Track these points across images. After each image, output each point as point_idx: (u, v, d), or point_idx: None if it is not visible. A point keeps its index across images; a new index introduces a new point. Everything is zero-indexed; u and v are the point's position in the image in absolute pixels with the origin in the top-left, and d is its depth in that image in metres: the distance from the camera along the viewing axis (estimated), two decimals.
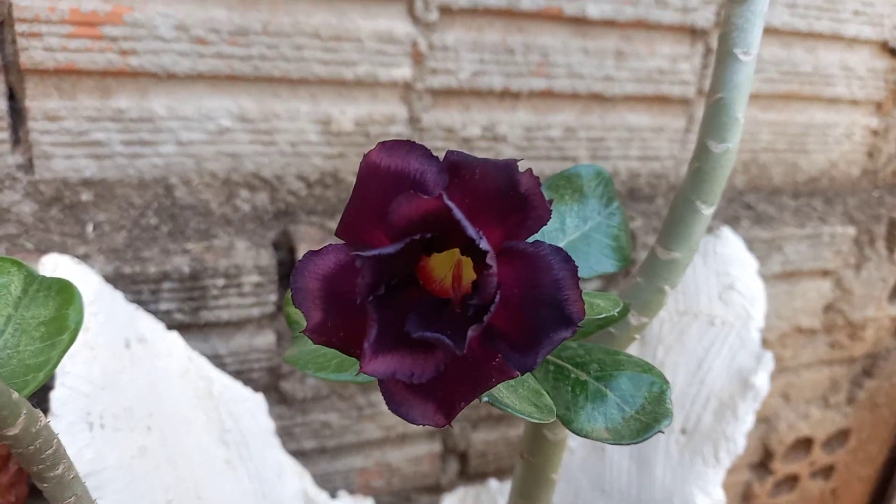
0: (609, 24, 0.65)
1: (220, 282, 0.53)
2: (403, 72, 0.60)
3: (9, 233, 0.53)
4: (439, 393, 0.22)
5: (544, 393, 0.26)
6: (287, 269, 0.57)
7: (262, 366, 0.59)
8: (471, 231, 0.19)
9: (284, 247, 0.58)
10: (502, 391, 0.25)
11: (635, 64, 0.67)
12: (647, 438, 0.26)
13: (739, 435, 0.54)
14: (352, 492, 0.67)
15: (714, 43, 0.70)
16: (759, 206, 0.78)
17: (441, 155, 0.21)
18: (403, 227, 0.21)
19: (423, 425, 0.22)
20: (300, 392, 0.61)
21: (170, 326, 0.52)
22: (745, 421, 0.53)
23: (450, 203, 0.19)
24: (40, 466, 0.24)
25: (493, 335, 0.21)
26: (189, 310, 0.53)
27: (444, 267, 0.23)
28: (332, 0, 0.56)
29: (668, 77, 0.69)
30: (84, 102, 0.54)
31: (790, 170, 0.82)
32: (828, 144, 0.82)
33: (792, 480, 0.96)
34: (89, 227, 0.55)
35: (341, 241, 0.23)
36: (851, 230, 0.78)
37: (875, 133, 0.85)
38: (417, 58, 0.60)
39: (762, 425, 0.89)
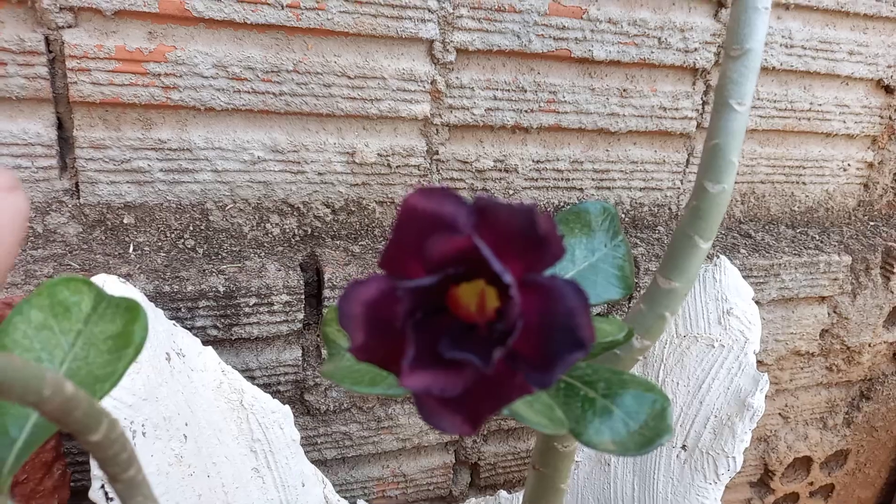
0: (614, 64, 0.69)
1: (252, 300, 0.57)
2: (423, 108, 0.64)
3: (55, 253, 0.58)
4: (466, 406, 0.26)
5: (556, 408, 0.30)
6: (313, 290, 0.61)
7: (289, 379, 0.62)
8: (497, 266, 0.23)
9: (311, 268, 0.62)
10: (520, 406, 0.29)
11: (639, 101, 0.72)
12: (649, 451, 0.29)
13: (738, 452, 0.57)
14: (369, 501, 0.71)
15: (714, 81, 0.74)
16: (757, 234, 0.81)
17: (457, 185, 0.24)
18: (438, 262, 0.25)
19: (452, 434, 0.26)
20: (323, 404, 0.64)
21: (204, 342, 0.55)
22: (743, 439, 0.56)
23: (479, 242, 0.23)
24: (116, 468, 0.28)
25: (514, 356, 0.25)
26: (223, 326, 0.57)
27: (471, 295, 0.27)
28: (359, 42, 0.61)
29: (670, 113, 0.74)
30: (127, 133, 0.58)
31: (787, 201, 0.86)
32: (824, 177, 0.86)
33: (792, 499, 0.99)
34: (130, 248, 0.59)
35: (382, 272, 0.27)
36: (847, 259, 0.81)
37: (870, 166, 0.89)
38: (436, 95, 0.64)
39: (762, 444, 0.92)
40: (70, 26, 0.54)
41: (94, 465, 0.44)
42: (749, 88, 0.33)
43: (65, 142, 0.58)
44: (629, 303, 0.72)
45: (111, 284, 0.51)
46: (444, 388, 0.25)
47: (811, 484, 0.98)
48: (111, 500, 0.45)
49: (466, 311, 0.27)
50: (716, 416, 0.58)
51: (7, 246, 0.17)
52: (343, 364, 0.35)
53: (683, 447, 0.60)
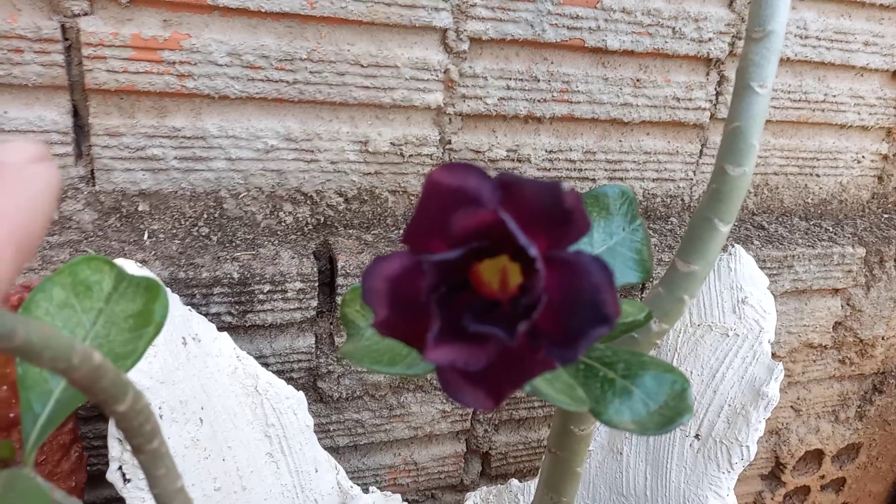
0: (628, 53, 0.69)
1: (266, 287, 0.57)
2: (436, 97, 0.64)
3: (70, 239, 0.58)
4: (489, 381, 0.26)
5: (577, 387, 0.30)
6: (326, 278, 0.61)
7: (302, 366, 0.63)
8: (522, 239, 0.23)
9: (324, 256, 0.62)
10: (541, 383, 0.29)
11: (652, 91, 0.71)
12: (670, 430, 0.29)
13: (752, 442, 0.57)
14: (381, 488, 0.71)
15: (728, 72, 0.74)
16: (770, 226, 0.81)
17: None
18: (462, 237, 0.25)
19: (475, 408, 0.26)
20: (336, 392, 0.65)
21: (219, 328, 0.56)
22: (758, 428, 0.56)
23: (504, 215, 0.23)
24: (140, 440, 0.28)
25: (537, 332, 0.25)
26: (237, 313, 0.57)
27: (493, 272, 0.27)
28: (373, 30, 0.61)
29: (684, 104, 0.73)
30: (142, 120, 0.59)
31: (801, 192, 0.85)
32: (838, 169, 0.86)
33: (803, 492, 0.98)
34: (145, 235, 0.59)
35: (405, 248, 0.27)
36: (861, 251, 0.81)
37: (885, 158, 0.88)
38: (449, 84, 0.64)
39: (773, 437, 0.92)
40: (86, 14, 0.54)
41: (111, 446, 0.45)
42: (771, 71, 0.33)
43: (80, 129, 0.58)
44: (642, 291, 0.72)
45: (129, 268, 0.51)
46: (467, 362, 0.25)
47: (822, 477, 0.98)
48: (128, 480, 0.45)
49: (489, 288, 0.27)
50: (730, 405, 0.58)
51: (41, 214, 0.17)
52: (362, 344, 0.35)
53: (697, 436, 0.60)
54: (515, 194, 0.24)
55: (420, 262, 0.25)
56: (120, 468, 0.45)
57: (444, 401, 0.71)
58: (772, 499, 0.96)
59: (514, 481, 0.66)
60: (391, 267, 0.27)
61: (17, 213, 0.16)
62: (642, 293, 0.72)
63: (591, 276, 0.24)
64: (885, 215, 0.90)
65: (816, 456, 0.97)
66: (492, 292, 0.27)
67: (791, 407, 0.91)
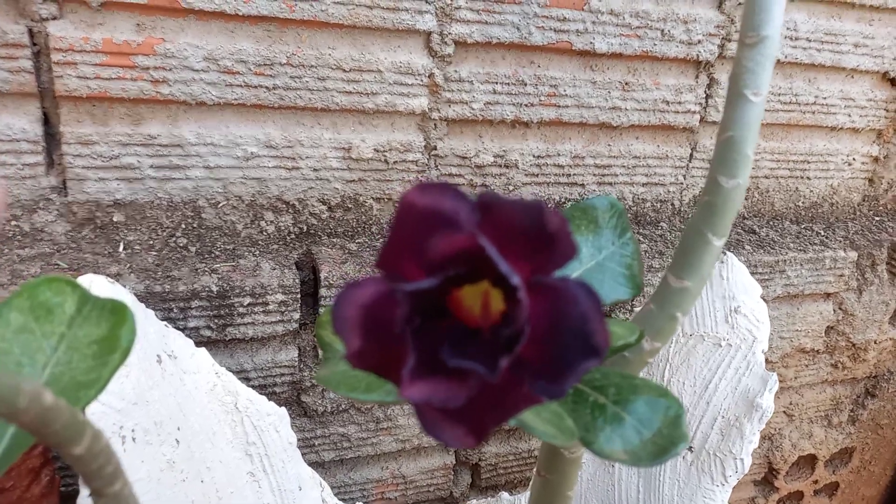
0: (616, 56, 0.67)
1: (247, 300, 0.55)
2: (420, 102, 0.63)
3: (42, 252, 0.56)
4: (470, 417, 0.24)
5: (566, 416, 0.28)
6: (310, 289, 0.60)
7: (285, 380, 0.61)
8: (503, 267, 0.21)
9: (307, 267, 0.60)
10: (527, 415, 0.27)
11: (641, 95, 0.70)
12: (664, 461, 0.28)
13: (746, 454, 0.55)
14: (368, 503, 0.69)
15: (717, 74, 0.72)
16: (761, 230, 0.80)
17: (456, 181, 0.23)
18: (439, 262, 0.23)
19: (454, 448, 0.24)
20: (321, 405, 0.63)
21: (198, 343, 0.54)
22: (752, 440, 0.55)
23: (483, 241, 0.22)
24: (100, 483, 0.26)
25: (521, 364, 0.23)
26: (216, 327, 0.56)
27: (474, 297, 0.26)
28: (355, 34, 0.59)
29: (673, 107, 0.72)
30: (116, 128, 0.57)
31: (791, 196, 0.84)
32: (828, 171, 0.85)
33: (796, 498, 0.98)
34: (121, 247, 0.57)
35: (378, 273, 0.25)
36: (853, 254, 0.80)
37: (875, 160, 0.87)
38: (434, 89, 0.63)
39: (766, 442, 0.91)
40: (55, 18, 0.52)
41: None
42: (765, 78, 0.32)
43: (51, 137, 0.56)
44: (631, 302, 0.71)
45: (99, 285, 0.49)
46: (446, 399, 0.23)
47: (816, 482, 0.97)
48: None
49: (469, 315, 0.26)
50: (723, 417, 0.56)
51: None
52: (339, 369, 0.33)
53: (690, 448, 0.58)
54: (495, 216, 0.23)
55: (394, 290, 0.23)
56: (91, 493, 0.43)
57: None
58: None
59: (505, 494, 0.65)
60: (364, 294, 0.25)
61: None
62: (632, 308, 0.71)
63: (577, 304, 0.22)
64: (877, 218, 0.89)
65: (809, 461, 0.96)
66: (473, 319, 0.26)
67: (784, 412, 0.90)
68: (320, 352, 0.62)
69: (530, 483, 0.61)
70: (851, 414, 0.95)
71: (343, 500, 0.68)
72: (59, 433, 0.22)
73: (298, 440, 0.62)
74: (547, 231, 0.22)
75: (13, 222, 0.57)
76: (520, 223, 0.23)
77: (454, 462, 0.74)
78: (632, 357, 0.35)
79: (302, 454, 0.60)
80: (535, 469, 0.40)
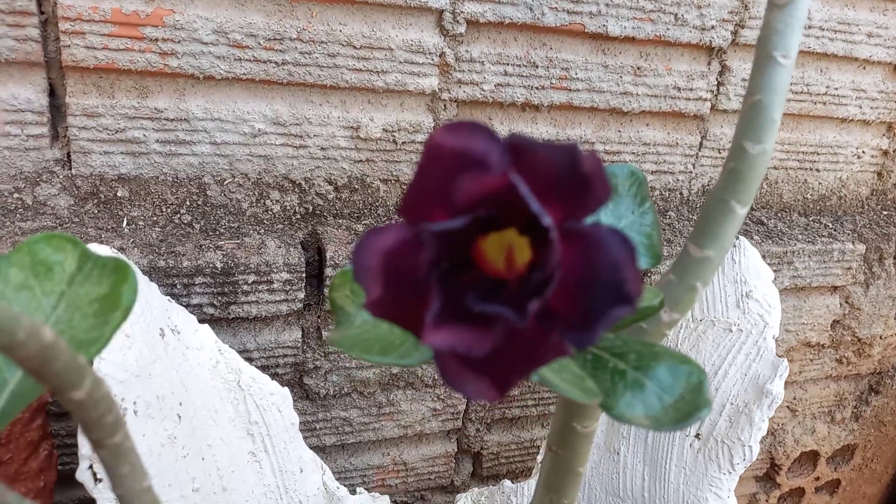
0: (629, 40, 0.67)
1: (251, 278, 0.55)
2: (431, 82, 0.62)
3: (45, 225, 0.55)
4: (494, 368, 0.23)
5: (587, 378, 0.28)
6: (314, 269, 0.59)
7: (288, 361, 0.60)
8: (535, 206, 0.21)
9: (312, 247, 0.59)
10: (549, 374, 0.27)
11: (653, 80, 0.69)
12: (687, 426, 0.27)
13: (754, 441, 0.55)
14: (369, 489, 0.68)
15: (730, 61, 0.72)
16: (769, 221, 0.79)
17: None
18: (467, 205, 0.22)
19: (477, 399, 0.24)
20: (323, 388, 0.62)
21: (201, 320, 0.53)
22: (761, 427, 0.54)
23: (515, 178, 0.21)
24: (100, 433, 0.25)
25: (549, 312, 0.23)
26: (220, 304, 0.55)
27: (499, 249, 0.25)
28: (366, 10, 0.58)
29: (684, 94, 0.71)
30: (122, 101, 0.56)
31: (800, 188, 0.84)
32: (838, 164, 0.84)
33: (798, 494, 0.97)
34: (124, 223, 0.56)
35: (401, 220, 0.24)
36: (861, 247, 0.79)
37: (885, 154, 0.87)
38: (444, 69, 0.62)
39: (769, 437, 0.90)
40: None
41: (81, 443, 0.42)
42: (795, 40, 0.31)
43: (56, 109, 0.55)
44: (649, 273, 0.70)
45: (103, 253, 0.48)
46: (470, 347, 0.22)
47: (817, 479, 0.97)
48: (99, 480, 0.42)
49: (493, 268, 0.25)
50: (732, 404, 0.56)
51: None
52: (352, 332, 0.32)
53: (697, 436, 0.58)
54: (527, 158, 0.22)
55: (419, 234, 0.22)
56: (90, 467, 0.42)
57: (435, 399, 0.69)
58: (766, 500, 0.94)
59: (507, 482, 0.64)
60: (386, 240, 0.24)
61: None
62: (650, 281, 0.70)
63: (610, 252, 0.21)
64: (885, 212, 0.89)
65: (812, 457, 0.95)
66: (496, 272, 0.25)
67: (787, 407, 0.89)
68: (324, 333, 0.61)
69: (538, 463, 0.60)
70: (855, 410, 0.95)
71: (343, 485, 0.67)
72: (59, 374, 0.21)
73: (300, 423, 0.61)
74: (581, 173, 0.21)
75: (16, 195, 0.56)
76: (553, 165, 0.22)
77: (456, 450, 0.73)
78: (650, 328, 0.35)
79: (303, 438, 0.59)
80: (545, 445, 0.39)
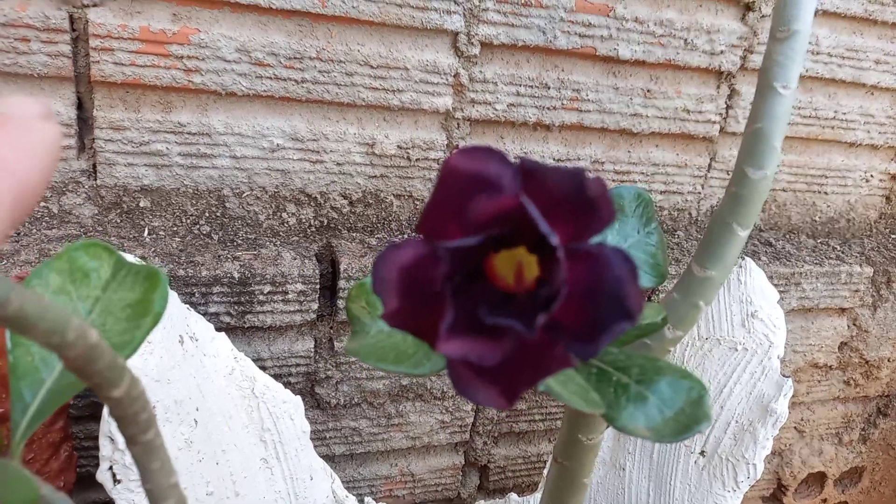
0: (639, 63, 0.68)
1: (267, 288, 0.56)
2: (445, 101, 0.64)
3: (69, 233, 0.57)
4: (503, 377, 0.25)
5: (591, 390, 0.29)
6: (328, 281, 0.60)
7: (300, 370, 0.61)
8: (544, 227, 0.22)
9: (326, 259, 0.61)
10: (555, 384, 0.28)
11: (662, 103, 0.71)
12: (686, 437, 0.28)
13: (758, 460, 0.55)
14: (376, 499, 0.69)
15: (739, 85, 0.73)
16: (777, 243, 0.80)
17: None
18: (480, 224, 0.23)
19: (486, 406, 0.25)
20: (333, 398, 0.63)
21: (218, 328, 0.54)
22: (765, 446, 0.55)
23: (525, 201, 0.22)
24: (135, 429, 0.27)
25: (555, 326, 0.24)
26: (236, 313, 0.56)
27: (509, 265, 0.26)
28: (384, 31, 0.60)
29: (694, 116, 0.73)
30: (147, 115, 0.58)
31: (808, 210, 0.85)
32: (846, 187, 0.85)
33: None
34: (146, 232, 0.58)
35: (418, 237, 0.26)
36: (869, 270, 0.80)
37: (893, 178, 0.88)
38: (458, 89, 0.64)
39: (776, 458, 0.90)
40: (95, 5, 0.54)
41: (102, 444, 0.43)
42: (795, 72, 0.32)
43: (84, 122, 0.58)
44: (654, 291, 0.71)
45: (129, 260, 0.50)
46: (481, 356, 0.24)
47: (825, 501, 0.96)
48: (118, 482, 0.43)
49: (504, 282, 0.26)
50: (737, 422, 0.56)
51: (43, 169, 0.16)
52: (367, 342, 0.34)
53: (702, 453, 0.58)
54: (537, 181, 0.23)
55: (435, 250, 0.24)
56: (111, 468, 0.44)
57: (444, 411, 0.70)
58: None
59: (513, 496, 0.65)
60: (404, 255, 0.26)
61: (20, 164, 0.15)
62: (652, 296, 0.71)
63: (613, 269, 0.23)
64: (893, 236, 0.89)
65: (819, 479, 0.95)
66: (507, 286, 0.26)
67: (795, 428, 0.90)
68: (337, 344, 0.62)
69: (544, 477, 0.61)
70: (863, 433, 0.95)
71: (351, 494, 0.68)
72: (101, 372, 0.22)
73: (310, 432, 0.62)
74: (587, 196, 0.23)
75: (42, 203, 0.58)
76: (561, 188, 0.23)
77: (463, 462, 0.74)
78: (653, 344, 0.36)
79: (313, 446, 0.60)
80: (551, 457, 0.40)
